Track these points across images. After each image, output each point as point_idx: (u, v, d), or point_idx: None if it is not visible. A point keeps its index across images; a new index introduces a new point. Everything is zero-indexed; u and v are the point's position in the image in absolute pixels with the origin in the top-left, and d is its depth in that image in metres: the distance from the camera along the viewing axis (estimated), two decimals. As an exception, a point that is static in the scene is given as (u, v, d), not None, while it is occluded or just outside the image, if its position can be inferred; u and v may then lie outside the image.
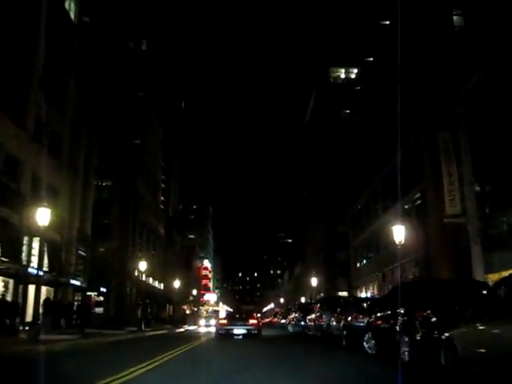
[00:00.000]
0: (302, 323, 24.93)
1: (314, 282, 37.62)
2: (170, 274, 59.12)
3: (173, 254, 69.57)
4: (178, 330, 35.22)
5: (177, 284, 43.46)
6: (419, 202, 27.09)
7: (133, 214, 42.23)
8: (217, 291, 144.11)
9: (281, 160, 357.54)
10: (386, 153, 33.69)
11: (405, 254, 28.86)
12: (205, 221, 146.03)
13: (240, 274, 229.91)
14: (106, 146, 40.51)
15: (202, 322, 49.51)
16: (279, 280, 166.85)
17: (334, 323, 16.43)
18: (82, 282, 28.76)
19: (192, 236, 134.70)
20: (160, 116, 66.71)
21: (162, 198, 67.92)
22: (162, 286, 58.63)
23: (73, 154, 29.37)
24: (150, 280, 54.10)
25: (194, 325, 49.08)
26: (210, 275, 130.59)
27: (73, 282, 26.33)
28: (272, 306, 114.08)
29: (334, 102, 55.32)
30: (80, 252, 29.68)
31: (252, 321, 21.15)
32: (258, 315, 47.40)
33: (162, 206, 66.61)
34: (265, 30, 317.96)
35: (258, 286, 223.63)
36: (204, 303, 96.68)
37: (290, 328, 29.32)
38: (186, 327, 43.60)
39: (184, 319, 51.29)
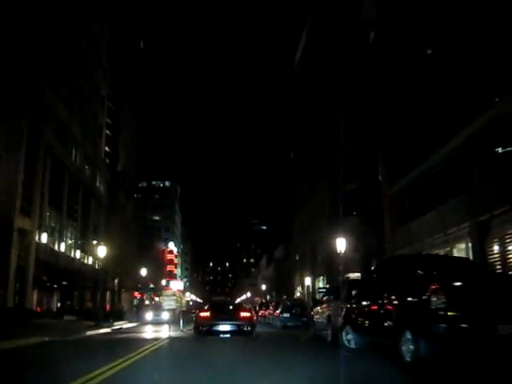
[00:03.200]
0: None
1: (341, 244, 21.11)
2: (115, 250, 41.97)
3: (122, 226, 52.13)
4: (89, 333, 18.14)
5: (102, 252, 26.19)
6: None
7: (31, 133, 24.64)
8: (185, 280, 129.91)
9: (253, 138, 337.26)
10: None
11: None
12: (171, 201, 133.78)
13: (211, 264, 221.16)
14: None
15: (150, 316, 32.39)
16: (253, 269, 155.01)
17: None
18: None
19: (157, 218, 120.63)
20: (105, 38, 49.09)
21: (107, 149, 50.42)
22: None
23: None
24: (78, 254, 36.82)
25: (137, 321, 32.23)
26: (177, 261, 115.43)
27: None
28: (249, 294, 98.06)
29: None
30: None
31: (244, 313, 15.54)
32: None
33: (106, 159, 49.15)
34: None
35: (230, 276, 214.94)
36: (163, 290, 79.77)
37: (352, 342, 10.25)
38: (122, 324, 26.70)
39: (122, 313, 34.01)
